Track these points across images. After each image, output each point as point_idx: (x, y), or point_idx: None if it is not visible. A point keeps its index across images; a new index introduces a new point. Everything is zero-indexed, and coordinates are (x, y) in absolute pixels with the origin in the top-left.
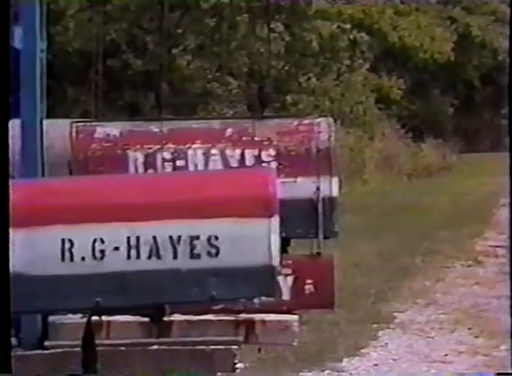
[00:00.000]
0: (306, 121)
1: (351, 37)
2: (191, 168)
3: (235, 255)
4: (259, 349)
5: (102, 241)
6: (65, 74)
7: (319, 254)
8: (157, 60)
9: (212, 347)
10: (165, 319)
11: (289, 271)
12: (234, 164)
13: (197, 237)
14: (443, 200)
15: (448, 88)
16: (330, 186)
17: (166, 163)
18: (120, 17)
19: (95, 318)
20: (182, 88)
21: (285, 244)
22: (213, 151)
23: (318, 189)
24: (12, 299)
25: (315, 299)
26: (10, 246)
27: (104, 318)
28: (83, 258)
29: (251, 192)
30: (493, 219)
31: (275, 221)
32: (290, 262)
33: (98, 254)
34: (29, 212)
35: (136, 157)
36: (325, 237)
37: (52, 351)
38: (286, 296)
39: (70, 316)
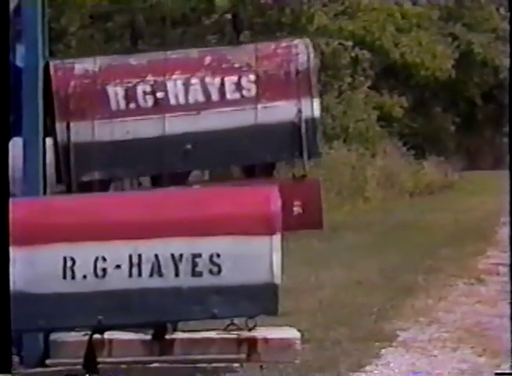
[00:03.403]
0: (284, 44)
1: (353, 54)
2: (172, 99)
3: (237, 273)
4: (261, 367)
5: (104, 259)
6: None
7: (304, 176)
8: None
9: (214, 365)
10: (167, 336)
11: None
12: (214, 92)
13: (199, 255)
14: (445, 217)
15: (450, 105)
16: (312, 108)
17: (147, 96)
18: (121, 34)
19: (96, 336)
20: None
21: (270, 168)
22: (192, 81)
23: (299, 111)
24: (13, 317)
25: (303, 220)
26: (12, 264)
27: (106, 336)
28: (84, 276)
29: (253, 210)
30: (495, 237)
31: (277, 239)
32: (276, 186)
33: (99, 273)
34: (30, 230)
35: (116, 91)
36: (309, 158)
37: (53, 369)
38: None
39: (71, 334)
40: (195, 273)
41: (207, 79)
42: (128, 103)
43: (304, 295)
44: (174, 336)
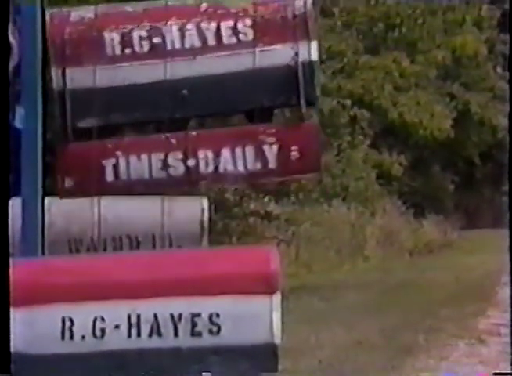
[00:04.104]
0: None
1: (351, 113)
2: (168, 44)
3: (236, 333)
4: None
5: (103, 319)
6: None
7: (302, 120)
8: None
9: None
10: None
11: (273, 139)
12: (210, 36)
13: (198, 315)
14: (445, 277)
15: (449, 164)
16: (309, 51)
17: (142, 41)
18: None
19: None
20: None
21: (268, 114)
22: (188, 26)
23: (296, 54)
24: None
25: (301, 165)
26: (11, 325)
27: None
28: (83, 337)
29: (253, 269)
30: (496, 297)
31: (277, 298)
32: (273, 130)
33: (98, 333)
34: (29, 291)
35: (112, 37)
36: (307, 103)
37: None
38: (272, 165)
39: None
40: (194, 333)
41: (203, 24)
42: (123, 49)
43: (304, 355)
44: None
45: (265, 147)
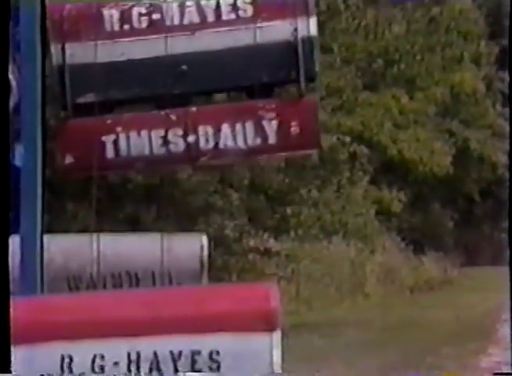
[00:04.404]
0: None
1: (351, 149)
2: (167, 20)
3: (236, 371)
4: None
5: (102, 357)
6: (64, 189)
7: (301, 96)
8: (158, 174)
9: None
10: None
11: (273, 115)
12: (209, 12)
13: (198, 352)
14: (446, 314)
15: (448, 201)
16: (308, 26)
17: (142, 17)
18: None
19: None
20: (184, 200)
21: (268, 90)
22: (188, 3)
23: (295, 30)
24: None
25: (300, 140)
26: (11, 362)
27: None
28: (83, 374)
29: (253, 306)
30: (497, 335)
31: (277, 335)
32: (273, 105)
33: (97, 370)
34: (28, 329)
35: (111, 13)
36: (306, 79)
37: None
38: (272, 140)
39: None
40: (194, 370)
41: (203, 1)
42: (122, 25)
43: None
44: None
45: (265, 123)
